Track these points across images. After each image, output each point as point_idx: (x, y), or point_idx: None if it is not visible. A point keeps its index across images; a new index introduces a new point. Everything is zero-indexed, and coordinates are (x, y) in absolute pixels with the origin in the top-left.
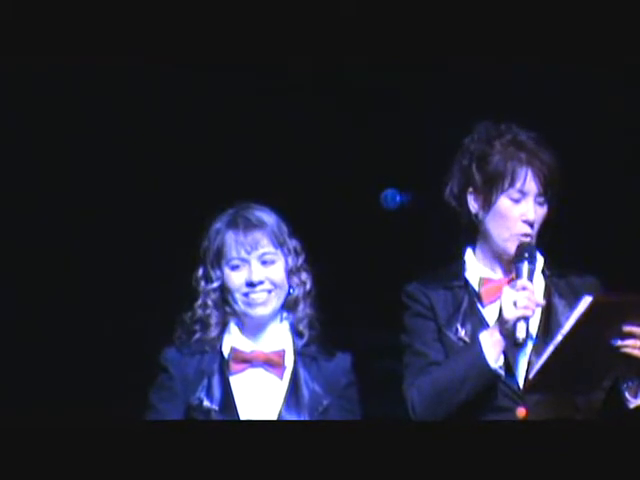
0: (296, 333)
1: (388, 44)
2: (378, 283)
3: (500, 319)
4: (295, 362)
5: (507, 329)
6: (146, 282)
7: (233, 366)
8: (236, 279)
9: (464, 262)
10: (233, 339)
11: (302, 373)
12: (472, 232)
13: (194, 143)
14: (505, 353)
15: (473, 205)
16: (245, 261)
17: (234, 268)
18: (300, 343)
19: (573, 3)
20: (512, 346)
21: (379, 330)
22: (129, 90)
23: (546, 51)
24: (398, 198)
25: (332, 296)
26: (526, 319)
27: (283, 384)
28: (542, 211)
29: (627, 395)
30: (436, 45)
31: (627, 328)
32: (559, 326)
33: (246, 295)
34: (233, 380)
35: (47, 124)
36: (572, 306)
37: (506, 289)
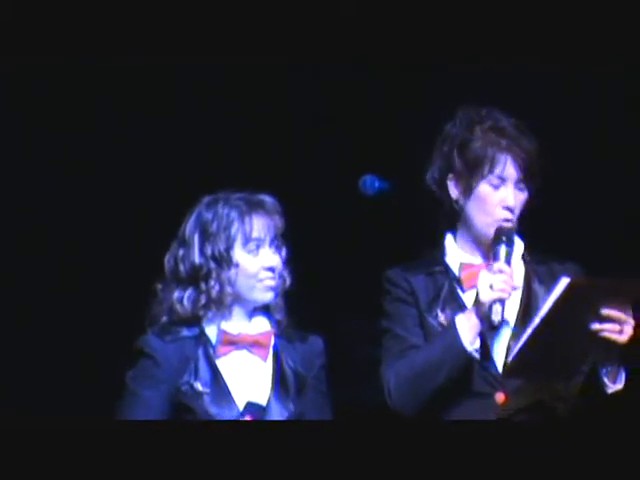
0: (274, 320)
1: (388, 44)
2: (357, 269)
3: (476, 301)
4: (274, 345)
5: (483, 311)
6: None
7: (220, 349)
8: (253, 264)
9: (445, 247)
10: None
11: (284, 355)
12: (452, 218)
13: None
14: (482, 337)
15: (454, 191)
16: (264, 245)
17: (251, 252)
18: (277, 329)
19: (573, 3)
20: (488, 329)
21: (358, 317)
22: (129, 90)
23: (546, 51)
24: (377, 184)
25: (311, 283)
26: (502, 302)
27: (267, 366)
28: (522, 196)
29: (606, 380)
30: (436, 45)
31: (606, 311)
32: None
33: (261, 280)
34: (220, 363)
35: (47, 124)
36: None
37: (483, 272)
